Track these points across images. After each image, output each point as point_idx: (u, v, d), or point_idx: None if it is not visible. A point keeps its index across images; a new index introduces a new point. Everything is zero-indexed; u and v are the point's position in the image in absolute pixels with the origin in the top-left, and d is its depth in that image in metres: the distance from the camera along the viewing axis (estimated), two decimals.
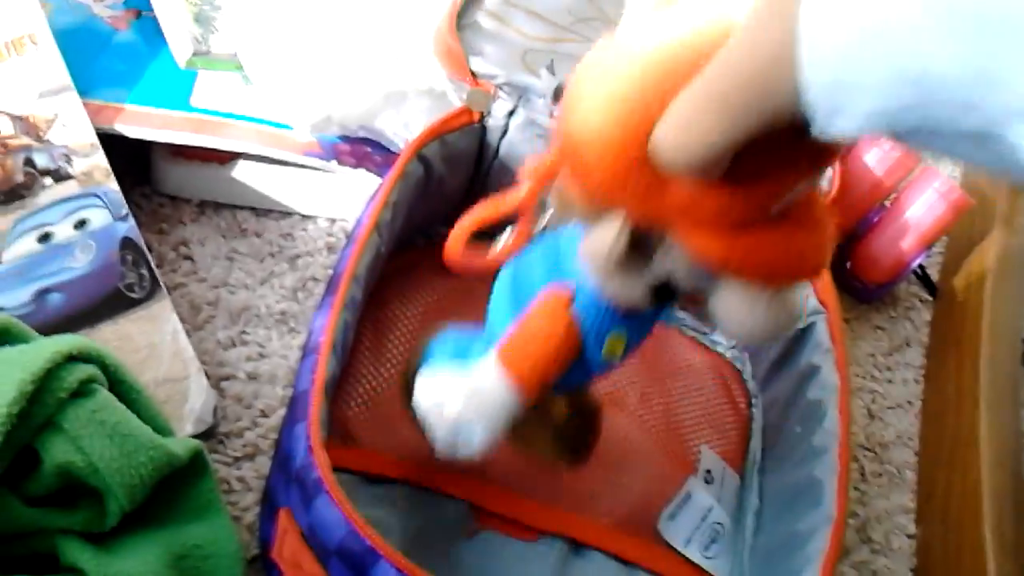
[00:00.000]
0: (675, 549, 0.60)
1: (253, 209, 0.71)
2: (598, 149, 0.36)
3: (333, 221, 0.71)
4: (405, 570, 0.43)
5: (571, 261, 0.43)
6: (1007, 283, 0.82)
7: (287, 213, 0.71)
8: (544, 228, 0.47)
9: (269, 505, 0.52)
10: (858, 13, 0.26)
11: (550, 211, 0.46)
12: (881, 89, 0.27)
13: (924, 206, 0.80)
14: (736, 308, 0.39)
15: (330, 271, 0.69)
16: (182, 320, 0.62)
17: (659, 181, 0.36)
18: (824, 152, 0.36)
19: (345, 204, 0.71)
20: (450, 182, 0.66)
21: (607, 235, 0.39)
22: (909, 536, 0.69)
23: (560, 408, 0.52)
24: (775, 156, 0.35)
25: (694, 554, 0.60)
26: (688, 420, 0.67)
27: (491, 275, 0.49)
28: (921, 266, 0.86)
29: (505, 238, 0.48)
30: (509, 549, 0.57)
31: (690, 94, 0.32)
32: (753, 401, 0.70)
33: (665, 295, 0.42)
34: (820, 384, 0.61)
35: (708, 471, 0.64)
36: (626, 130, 0.35)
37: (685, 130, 0.32)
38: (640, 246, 0.39)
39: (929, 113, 0.26)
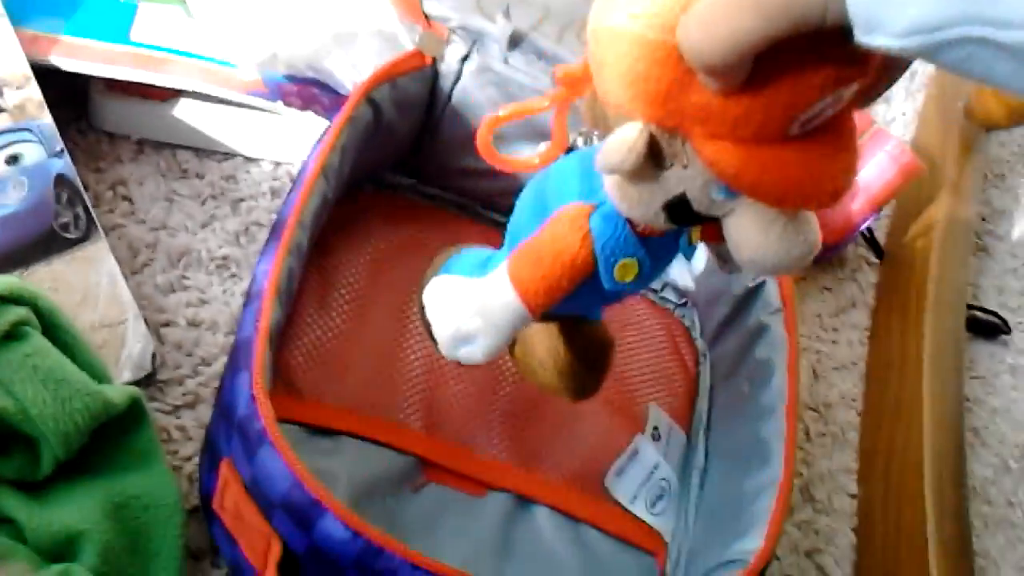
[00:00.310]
0: (621, 505, 0.60)
1: (195, 149, 0.68)
2: (625, 43, 0.35)
3: (278, 164, 0.69)
4: (351, 524, 0.42)
5: (599, 180, 0.42)
6: (953, 248, 0.83)
7: (230, 155, 0.68)
8: (577, 142, 0.46)
9: (210, 455, 0.51)
10: None
11: (584, 128, 0.45)
12: (924, 1, 0.26)
13: (875, 168, 0.80)
14: (750, 231, 0.38)
15: (274, 216, 0.66)
16: (119, 263, 0.60)
17: (682, 81, 0.35)
18: (849, 67, 0.34)
19: (290, 147, 0.68)
20: (400, 127, 0.64)
21: (626, 137, 0.37)
22: (851, 496, 0.70)
23: (571, 339, 0.51)
24: (798, 66, 0.34)
25: (640, 510, 0.60)
26: (636, 376, 0.67)
27: (474, 225, 0.49)
28: (869, 228, 0.86)
29: (540, 149, 0.46)
30: (456, 503, 0.57)
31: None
32: (701, 359, 0.70)
33: (681, 216, 0.40)
34: (769, 343, 0.61)
35: (655, 428, 0.64)
36: (657, 20, 0.35)
37: (714, 23, 0.31)
38: (657, 155, 0.38)
39: (972, 32, 0.26)
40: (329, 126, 0.57)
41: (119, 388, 0.51)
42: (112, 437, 0.51)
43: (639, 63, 0.36)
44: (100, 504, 0.48)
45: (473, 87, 0.65)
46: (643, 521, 0.59)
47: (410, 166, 0.70)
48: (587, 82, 0.42)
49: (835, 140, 0.37)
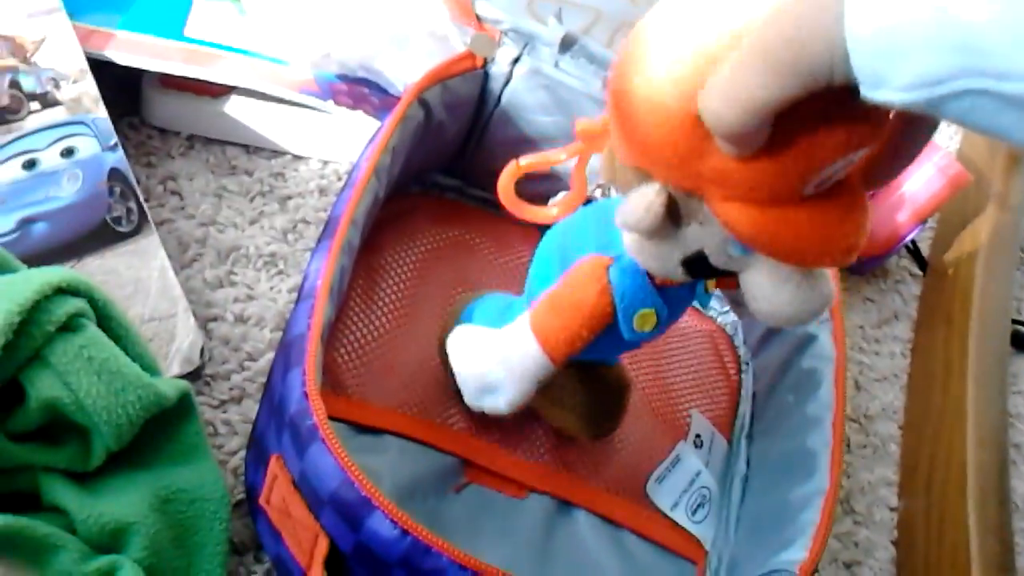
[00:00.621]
0: (662, 512, 0.59)
1: (244, 146, 0.69)
2: (645, 108, 0.36)
3: (326, 163, 0.69)
4: (399, 522, 0.43)
5: (617, 232, 0.44)
6: (998, 261, 0.82)
7: (279, 152, 0.69)
8: (594, 195, 0.48)
9: (258, 451, 0.51)
10: None
11: (602, 181, 0.47)
12: (925, 55, 0.27)
13: (921, 180, 0.79)
14: (765, 287, 0.40)
15: (321, 214, 0.67)
16: (169, 257, 0.60)
17: (702, 145, 0.36)
18: (860, 129, 0.35)
19: (339, 146, 0.69)
20: (449, 128, 0.64)
21: (645, 197, 0.39)
22: (891, 509, 0.70)
23: (589, 382, 0.52)
24: (811, 131, 0.35)
25: (681, 518, 0.60)
26: (679, 384, 0.66)
27: (518, 228, 0.50)
28: (913, 240, 0.86)
29: (559, 199, 0.49)
30: (497, 505, 0.57)
31: (738, 54, 0.32)
32: (743, 367, 0.69)
33: (698, 270, 0.42)
34: (816, 354, 0.61)
35: (698, 435, 0.63)
36: (677, 89, 0.36)
37: (733, 91, 0.32)
38: (675, 214, 0.40)
39: (972, 83, 0.27)
40: (381, 126, 0.58)
41: (170, 381, 0.52)
42: (161, 430, 0.51)
43: (659, 129, 0.37)
44: (148, 497, 0.49)
45: (523, 90, 0.65)
46: (684, 528, 0.59)
47: (457, 168, 0.70)
48: (605, 137, 0.43)
49: (848, 199, 0.38)
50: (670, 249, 0.41)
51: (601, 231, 0.46)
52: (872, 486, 0.70)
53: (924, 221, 0.80)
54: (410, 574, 0.43)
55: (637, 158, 0.39)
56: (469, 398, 0.49)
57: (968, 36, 0.26)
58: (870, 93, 0.29)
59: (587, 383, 0.54)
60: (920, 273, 0.86)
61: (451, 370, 0.50)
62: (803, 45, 0.30)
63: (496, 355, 0.47)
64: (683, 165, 0.37)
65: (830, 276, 0.41)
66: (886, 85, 0.28)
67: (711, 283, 0.46)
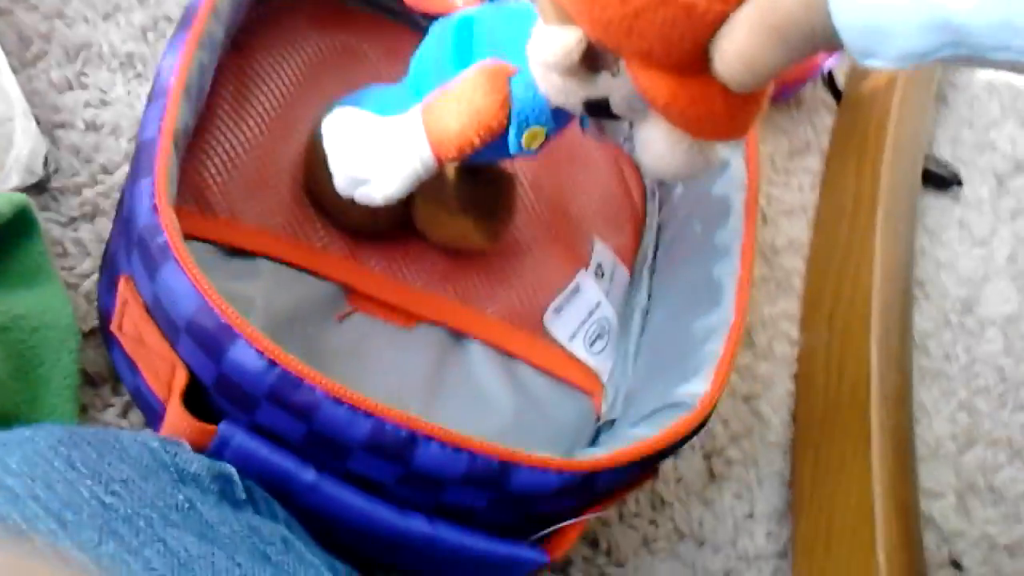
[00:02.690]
0: (559, 343, 0.56)
1: None
2: None
3: None
4: (266, 352, 0.38)
5: (522, 43, 0.42)
6: (915, 94, 0.79)
7: None
8: None
9: (109, 272, 0.46)
10: None
11: None
12: (910, 35, 0.29)
13: None
14: (658, 143, 0.41)
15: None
16: (7, 53, 0.52)
17: (634, 17, 0.35)
18: None
19: None
20: None
21: (564, 43, 0.38)
22: (792, 343, 0.68)
23: (473, 181, 0.49)
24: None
25: (578, 349, 0.56)
26: (581, 211, 0.62)
27: (412, 35, 0.49)
28: (830, 71, 0.82)
29: None
30: (383, 334, 0.52)
31: (748, 23, 0.34)
32: (649, 196, 0.65)
33: (596, 111, 0.42)
34: (727, 180, 0.57)
35: (599, 265, 0.60)
36: None
37: (749, 56, 0.34)
38: (590, 62, 0.39)
39: (959, 51, 0.29)
40: None
41: (3, 195, 0.45)
42: None
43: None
44: None
45: None
46: (581, 360, 0.56)
47: None
48: None
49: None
50: (576, 88, 0.41)
51: (507, 36, 0.45)
52: (773, 319, 0.69)
53: (841, 49, 0.76)
54: (280, 409, 0.39)
55: (572, 6, 0.37)
56: (340, 184, 0.46)
57: (949, 18, 0.28)
58: (864, 61, 0.31)
59: (471, 182, 0.50)
60: (835, 104, 0.82)
61: (323, 151, 0.46)
62: (812, 26, 0.32)
63: (379, 144, 0.44)
64: (613, 30, 0.36)
65: (718, 145, 0.42)
66: (876, 57, 0.30)
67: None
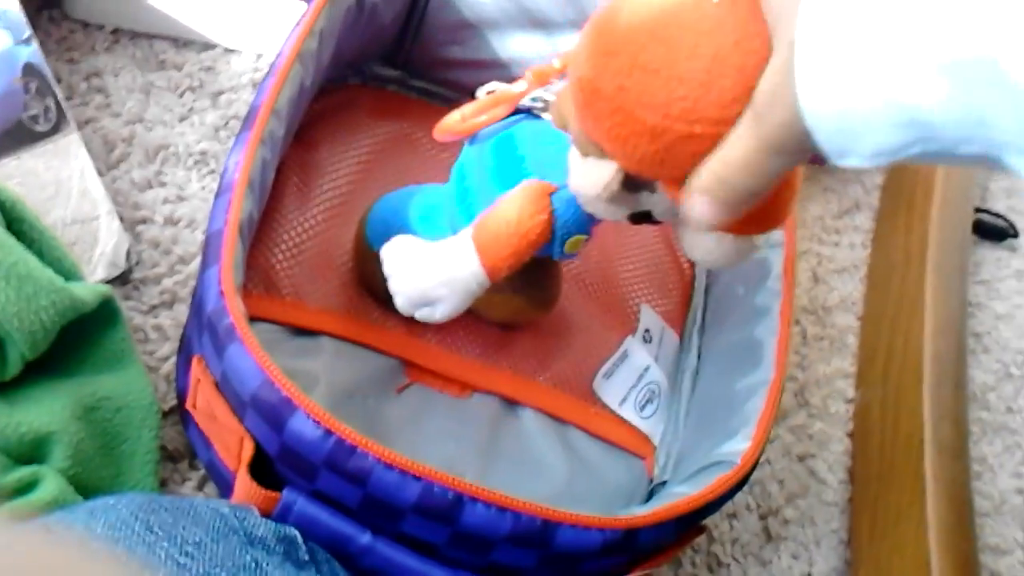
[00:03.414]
0: (610, 408, 0.58)
1: (172, 39, 0.65)
2: (622, 115, 0.37)
3: (259, 56, 0.66)
4: (322, 422, 0.41)
5: (558, 160, 0.45)
6: None
7: (209, 45, 0.66)
8: (533, 107, 0.49)
9: (185, 354, 0.50)
10: (847, 82, 0.29)
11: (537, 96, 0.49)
12: (880, 132, 0.30)
13: None
14: (706, 243, 0.41)
15: None
16: (93, 157, 0.58)
17: (668, 153, 0.36)
18: None
19: (272, 37, 0.65)
20: (384, 13, 0.61)
21: (602, 176, 0.40)
22: (847, 401, 0.69)
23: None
24: None
25: (629, 413, 0.58)
26: (629, 278, 0.65)
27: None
28: None
29: (488, 95, 0.51)
30: (440, 405, 0.55)
31: (743, 147, 0.35)
32: None
33: (642, 220, 0.44)
34: (765, 242, 0.59)
35: (647, 330, 0.62)
36: (658, 107, 0.36)
37: (749, 175, 0.35)
38: (629, 186, 0.41)
39: (928, 147, 0.29)
40: (307, 9, 0.54)
41: (89, 286, 0.50)
42: (83, 337, 0.50)
43: (637, 137, 0.37)
44: (70, 405, 0.47)
45: None
46: (632, 424, 0.58)
47: (397, 58, 0.67)
48: (556, 75, 0.47)
49: (788, 176, 0.39)
50: (617, 208, 0.43)
51: (545, 152, 0.48)
52: (828, 378, 0.70)
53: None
54: (337, 475, 0.42)
55: (605, 145, 0.39)
56: (403, 307, 0.49)
57: (918, 116, 0.29)
58: (838, 161, 0.31)
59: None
60: None
61: (382, 273, 0.50)
62: (792, 146, 0.33)
63: (436, 269, 0.47)
64: (647, 164, 0.38)
65: None
66: (850, 156, 0.31)
67: None
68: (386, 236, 0.51)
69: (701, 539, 0.59)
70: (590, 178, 0.41)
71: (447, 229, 0.51)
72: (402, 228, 0.52)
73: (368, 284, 0.55)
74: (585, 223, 0.47)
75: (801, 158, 0.34)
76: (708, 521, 0.59)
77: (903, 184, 0.79)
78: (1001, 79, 0.26)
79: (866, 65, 0.29)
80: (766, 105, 0.33)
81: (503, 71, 0.65)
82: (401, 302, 0.49)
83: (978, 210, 0.82)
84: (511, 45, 0.65)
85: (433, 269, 0.47)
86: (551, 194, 0.46)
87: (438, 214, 0.52)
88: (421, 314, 0.49)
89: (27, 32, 0.56)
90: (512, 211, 0.46)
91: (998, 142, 0.28)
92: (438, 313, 0.48)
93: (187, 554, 0.36)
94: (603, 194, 0.41)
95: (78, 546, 0.29)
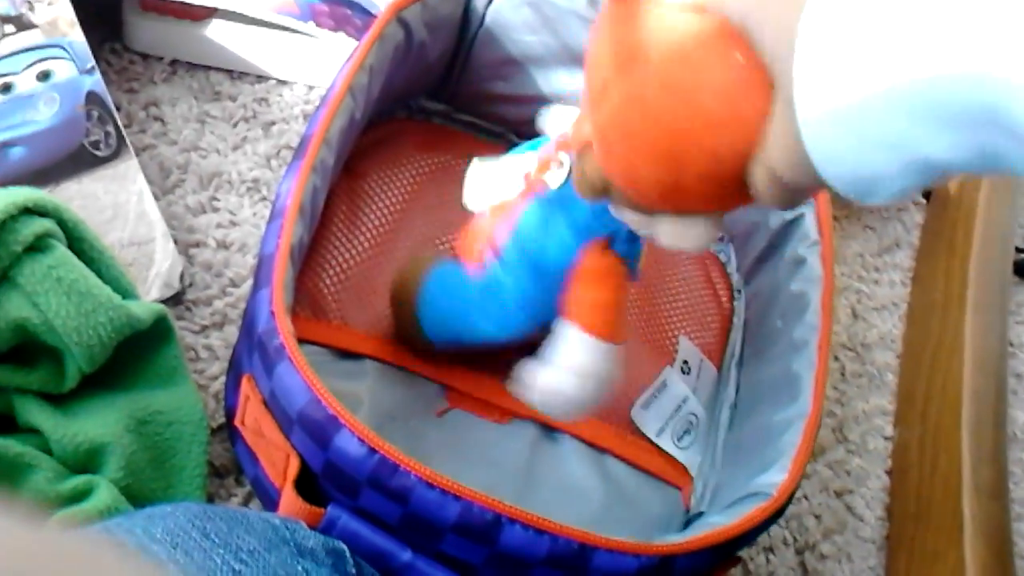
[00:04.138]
0: (648, 438, 0.59)
1: (228, 71, 0.67)
2: (672, 161, 0.37)
3: (310, 88, 0.68)
4: (367, 440, 0.42)
5: (598, 219, 0.46)
6: (1002, 189, 0.80)
7: (263, 77, 0.68)
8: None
9: (234, 372, 0.51)
10: (854, 128, 0.30)
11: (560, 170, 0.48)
12: (896, 177, 0.30)
13: None
14: (676, 228, 0.41)
15: None
16: (150, 182, 0.60)
17: (728, 189, 0.37)
18: None
19: (323, 70, 0.67)
20: (432, 49, 0.63)
21: (700, 235, 0.40)
22: (886, 438, 0.69)
23: None
24: None
25: (666, 444, 0.59)
26: (668, 310, 0.65)
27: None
28: None
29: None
30: (480, 430, 0.56)
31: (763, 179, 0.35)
32: (736, 295, 0.68)
33: None
34: (804, 276, 0.60)
35: (685, 362, 0.63)
36: (733, 158, 0.36)
37: (767, 189, 0.36)
38: None
39: (949, 175, 0.31)
40: (358, 45, 0.56)
41: (145, 304, 0.51)
42: (138, 353, 0.51)
43: (700, 183, 0.37)
44: (124, 418, 0.49)
45: (507, 8, 0.63)
46: (669, 454, 0.59)
47: (443, 92, 0.69)
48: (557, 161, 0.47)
49: None
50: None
51: (574, 219, 0.48)
52: (867, 415, 0.70)
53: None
54: (379, 492, 0.43)
55: (655, 200, 0.39)
56: (559, 418, 0.51)
57: (931, 161, 0.29)
58: (865, 202, 0.33)
59: None
60: (924, 201, 0.84)
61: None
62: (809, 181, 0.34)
63: (579, 379, 0.46)
64: (710, 202, 0.39)
65: None
66: (874, 198, 0.32)
67: None
68: (449, 336, 0.53)
69: (737, 571, 0.59)
70: (690, 239, 0.41)
71: (514, 325, 0.52)
72: (471, 330, 0.53)
73: (410, 343, 0.56)
74: (640, 247, 0.48)
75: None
76: (744, 554, 0.59)
77: (944, 223, 0.80)
78: (1004, 122, 0.27)
79: (870, 127, 0.29)
80: (785, 168, 0.34)
81: (547, 106, 0.66)
82: (555, 414, 0.49)
83: (1019, 250, 0.82)
84: (554, 81, 0.66)
85: (573, 375, 0.46)
86: (609, 246, 0.47)
87: (503, 314, 0.52)
88: (585, 412, 0.48)
89: (90, 63, 0.59)
90: (595, 287, 0.47)
91: (1018, 168, 0.28)
92: (598, 398, 0.48)
93: (242, 561, 0.37)
94: (704, 246, 0.41)
95: (120, 551, 0.30)
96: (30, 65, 0.57)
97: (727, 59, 0.35)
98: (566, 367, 0.46)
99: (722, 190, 0.37)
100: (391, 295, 0.56)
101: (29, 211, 0.47)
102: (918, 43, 0.28)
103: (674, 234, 0.41)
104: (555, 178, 0.47)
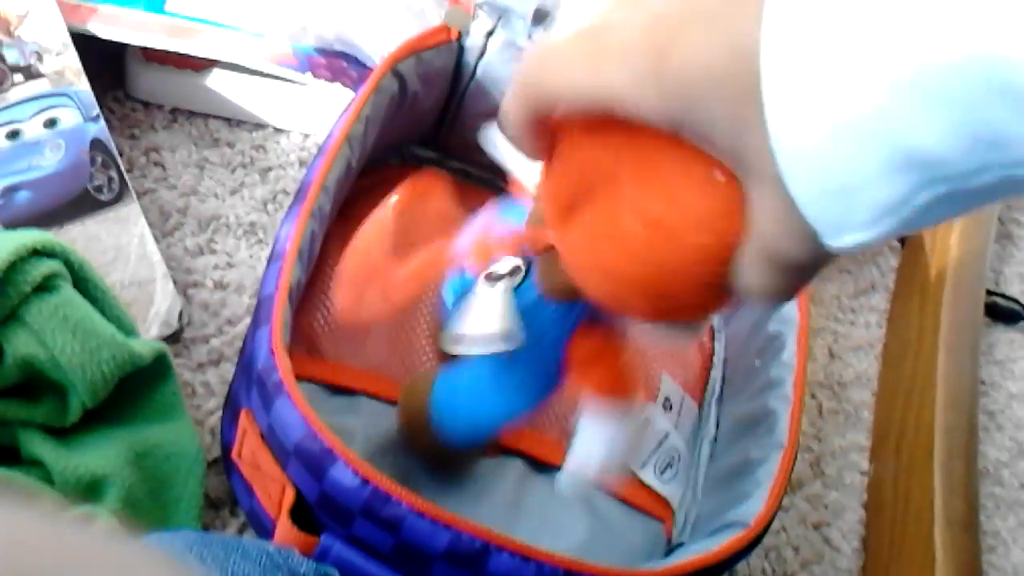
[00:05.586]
0: (631, 471, 0.61)
1: (226, 119, 0.70)
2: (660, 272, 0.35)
3: (306, 136, 0.71)
4: (360, 471, 0.44)
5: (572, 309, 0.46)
6: (974, 234, 0.83)
7: (260, 125, 0.70)
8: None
9: (231, 408, 0.53)
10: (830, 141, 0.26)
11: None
12: (875, 182, 0.26)
13: None
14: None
15: None
16: (151, 225, 0.62)
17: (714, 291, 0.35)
18: None
19: (319, 119, 0.70)
20: (425, 100, 0.66)
21: (689, 332, 0.41)
22: (862, 473, 0.71)
23: None
24: None
25: (649, 477, 0.61)
26: (651, 350, 0.68)
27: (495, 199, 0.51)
28: None
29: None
30: None
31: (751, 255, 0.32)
32: (716, 335, 0.71)
33: None
34: (780, 318, 0.62)
35: (667, 399, 0.65)
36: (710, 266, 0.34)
37: (767, 279, 0.32)
38: None
39: (937, 190, 0.26)
40: (355, 96, 0.59)
41: (146, 342, 0.53)
42: (138, 389, 0.53)
43: (689, 309, 0.37)
44: (124, 451, 0.51)
45: (498, 62, 0.66)
46: (651, 488, 0.61)
47: (435, 140, 0.71)
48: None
49: None
50: None
51: (546, 316, 0.47)
52: (843, 451, 0.72)
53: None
54: (372, 522, 0.45)
55: (641, 311, 0.38)
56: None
57: (917, 153, 0.25)
58: (835, 243, 0.28)
59: None
60: (899, 245, 0.87)
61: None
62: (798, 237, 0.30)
63: (611, 450, 0.47)
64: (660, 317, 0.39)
65: None
66: (848, 228, 0.27)
67: None
68: (471, 430, 0.53)
69: None
70: (677, 341, 0.41)
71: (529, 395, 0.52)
72: (491, 415, 0.53)
73: (428, 454, 0.56)
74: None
75: (810, 273, 0.33)
76: None
77: (917, 267, 0.82)
78: (1009, 85, 0.23)
79: (850, 124, 0.26)
80: (781, 238, 0.30)
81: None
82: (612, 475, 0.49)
83: (991, 293, 0.85)
84: None
85: (604, 451, 0.47)
86: (594, 323, 0.47)
87: (519, 393, 0.52)
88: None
89: (95, 111, 0.61)
90: (596, 371, 0.48)
91: (1020, 160, 0.24)
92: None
93: None
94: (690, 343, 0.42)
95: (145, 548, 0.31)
96: (37, 113, 0.60)
97: (708, 183, 0.32)
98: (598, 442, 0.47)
99: (712, 305, 0.37)
100: (400, 414, 0.55)
101: (38, 252, 0.49)
102: (916, 31, 0.24)
103: (659, 339, 0.41)
104: (509, 283, 0.47)
